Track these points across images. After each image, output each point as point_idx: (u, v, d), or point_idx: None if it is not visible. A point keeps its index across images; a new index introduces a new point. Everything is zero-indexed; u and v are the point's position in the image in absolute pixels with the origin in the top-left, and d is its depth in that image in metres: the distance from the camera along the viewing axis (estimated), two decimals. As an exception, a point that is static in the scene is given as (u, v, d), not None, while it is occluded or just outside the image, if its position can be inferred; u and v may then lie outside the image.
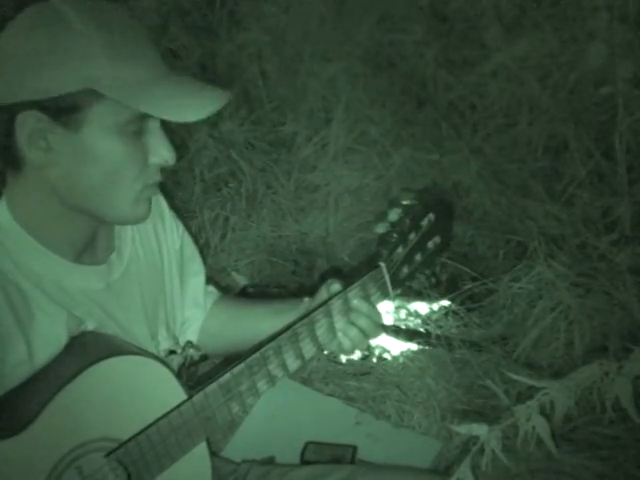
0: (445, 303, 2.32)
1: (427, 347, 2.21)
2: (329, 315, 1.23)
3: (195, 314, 1.41)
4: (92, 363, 1.07)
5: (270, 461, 1.80)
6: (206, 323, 1.42)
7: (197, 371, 1.35)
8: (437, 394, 2.05)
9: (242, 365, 1.16)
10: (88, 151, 1.05)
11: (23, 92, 1.02)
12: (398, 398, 2.06)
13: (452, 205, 1.42)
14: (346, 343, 1.27)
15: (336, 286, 1.26)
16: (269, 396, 1.75)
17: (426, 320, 2.28)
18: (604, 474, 1.84)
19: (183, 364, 1.31)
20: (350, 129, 2.68)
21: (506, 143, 2.64)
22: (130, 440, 1.11)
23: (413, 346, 2.22)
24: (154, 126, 1.09)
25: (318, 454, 1.86)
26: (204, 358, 1.42)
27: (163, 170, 1.13)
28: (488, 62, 2.64)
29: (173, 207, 1.37)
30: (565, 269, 2.20)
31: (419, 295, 2.33)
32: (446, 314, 2.29)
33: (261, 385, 1.18)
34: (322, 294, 1.29)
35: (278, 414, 2.00)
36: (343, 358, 2.18)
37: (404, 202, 1.28)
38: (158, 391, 1.14)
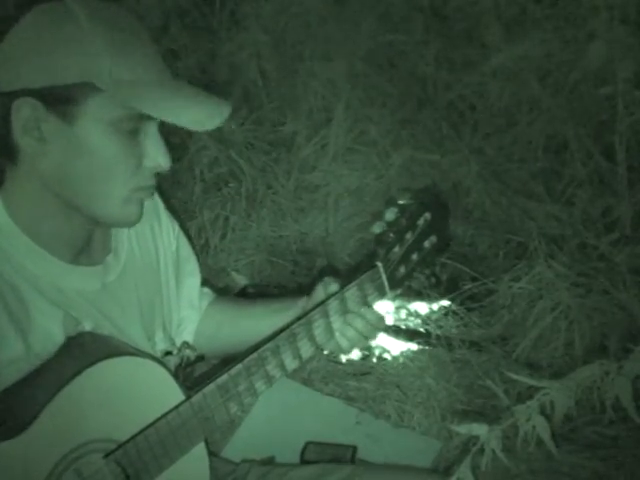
0: (445, 303, 2.32)
1: (427, 347, 2.21)
2: (326, 315, 1.23)
3: (190, 315, 1.41)
4: (90, 364, 1.07)
5: (270, 461, 1.80)
6: (202, 324, 1.42)
7: (193, 372, 1.35)
8: (437, 394, 2.05)
9: (240, 366, 1.16)
10: (81, 144, 1.05)
11: (24, 78, 1.03)
12: (398, 398, 2.06)
13: (448, 204, 1.41)
14: (344, 343, 1.27)
15: (334, 286, 1.27)
16: (269, 396, 1.75)
17: (426, 320, 2.28)
18: (604, 474, 1.84)
19: (179, 365, 1.31)
20: (350, 129, 2.67)
21: (506, 143, 2.63)
22: (128, 441, 1.11)
23: (413, 346, 2.22)
24: (152, 130, 1.09)
25: (318, 454, 1.86)
26: (200, 359, 1.42)
27: (159, 174, 1.13)
28: (488, 62, 2.63)
29: (169, 207, 1.37)
30: (565, 269, 2.19)
31: (419, 295, 2.32)
32: (446, 314, 2.29)
33: (259, 385, 1.18)
34: (319, 292, 1.29)
35: (278, 414, 1.99)
36: (343, 358, 2.18)
37: (400, 201, 1.28)
38: (156, 392, 1.14)
